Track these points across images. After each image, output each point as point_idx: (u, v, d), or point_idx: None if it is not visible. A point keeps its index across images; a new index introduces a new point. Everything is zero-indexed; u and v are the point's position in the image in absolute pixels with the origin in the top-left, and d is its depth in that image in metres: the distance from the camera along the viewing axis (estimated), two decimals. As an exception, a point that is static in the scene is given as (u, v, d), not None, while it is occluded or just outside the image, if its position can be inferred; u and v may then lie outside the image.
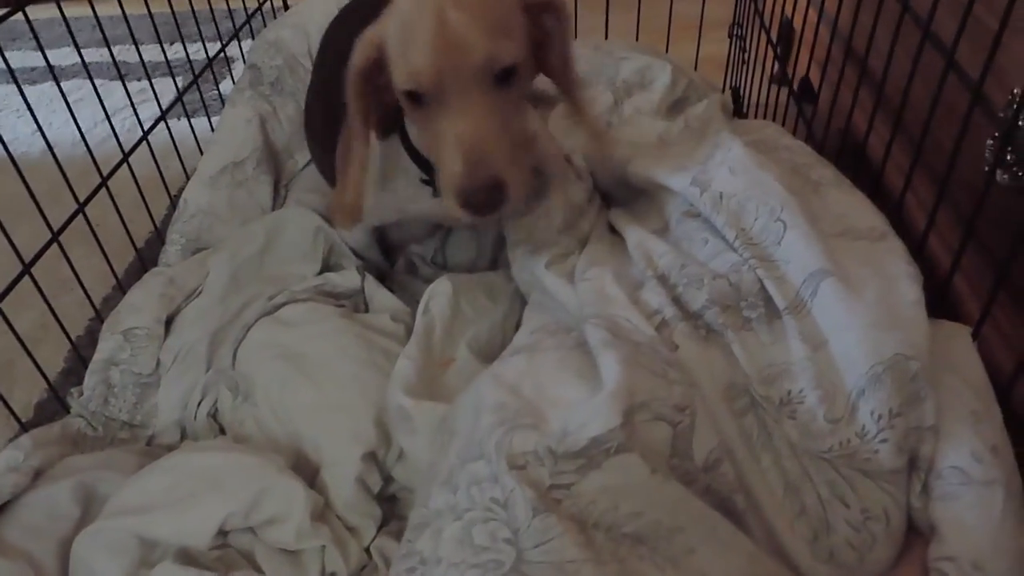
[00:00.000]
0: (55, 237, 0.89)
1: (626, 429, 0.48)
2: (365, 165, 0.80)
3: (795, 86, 1.13)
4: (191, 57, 1.32)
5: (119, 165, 1.02)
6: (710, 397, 0.54)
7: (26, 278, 0.84)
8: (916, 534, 0.54)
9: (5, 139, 0.80)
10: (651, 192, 0.74)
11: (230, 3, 1.39)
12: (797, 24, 1.25)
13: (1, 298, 0.81)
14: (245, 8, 1.45)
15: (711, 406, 0.54)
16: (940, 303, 0.62)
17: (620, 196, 0.82)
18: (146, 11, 1.13)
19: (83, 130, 0.99)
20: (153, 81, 1.15)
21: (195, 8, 1.30)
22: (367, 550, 0.75)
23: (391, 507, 0.79)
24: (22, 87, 0.86)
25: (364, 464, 0.76)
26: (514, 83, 0.70)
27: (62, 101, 1.49)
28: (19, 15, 0.87)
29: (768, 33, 1.25)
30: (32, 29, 0.90)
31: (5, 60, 0.83)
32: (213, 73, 1.40)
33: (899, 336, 0.53)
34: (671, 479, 0.49)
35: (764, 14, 1.29)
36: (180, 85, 1.21)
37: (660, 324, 0.58)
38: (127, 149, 1.04)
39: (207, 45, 1.31)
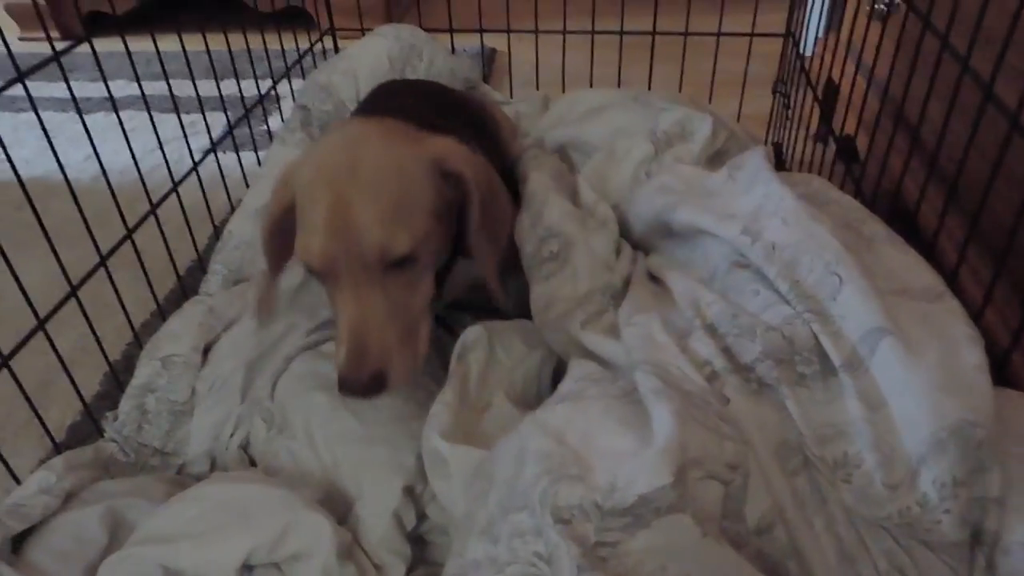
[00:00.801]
0: (103, 261, 0.90)
1: (677, 488, 0.46)
2: (270, 299, 0.88)
3: (840, 144, 1.13)
4: (243, 93, 1.35)
5: (168, 194, 1.04)
6: (762, 456, 0.52)
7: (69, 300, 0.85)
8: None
9: (50, 166, 0.82)
10: (693, 240, 0.72)
11: (283, 43, 1.43)
12: (844, 86, 1.26)
13: (46, 319, 0.82)
14: (297, 48, 1.49)
15: (763, 465, 0.52)
16: (999, 379, 0.60)
17: (657, 244, 0.81)
18: (202, 47, 1.16)
19: (135, 159, 1.02)
20: (205, 115, 1.18)
21: (250, 47, 1.33)
22: (393, 592, 0.73)
23: (420, 550, 0.78)
24: (79, 116, 0.89)
25: (402, 498, 0.75)
26: (412, 267, 0.71)
27: (112, 131, 1.54)
28: (81, 47, 0.90)
29: (815, 90, 1.25)
30: (97, 60, 0.93)
31: (70, 90, 0.86)
32: (263, 109, 1.42)
33: (963, 401, 0.51)
34: (723, 543, 0.46)
35: (810, 72, 1.29)
36: (231, 119, 1.23)
37: (710, 375, 0.56)
38: (176, 178, 1.06)
39: (259, 82, 1.34)
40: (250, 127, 1.32)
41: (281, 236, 0.80)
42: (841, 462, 0.53)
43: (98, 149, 0.90)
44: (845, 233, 0.62)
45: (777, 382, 0.55)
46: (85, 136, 1.55)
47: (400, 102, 0.99)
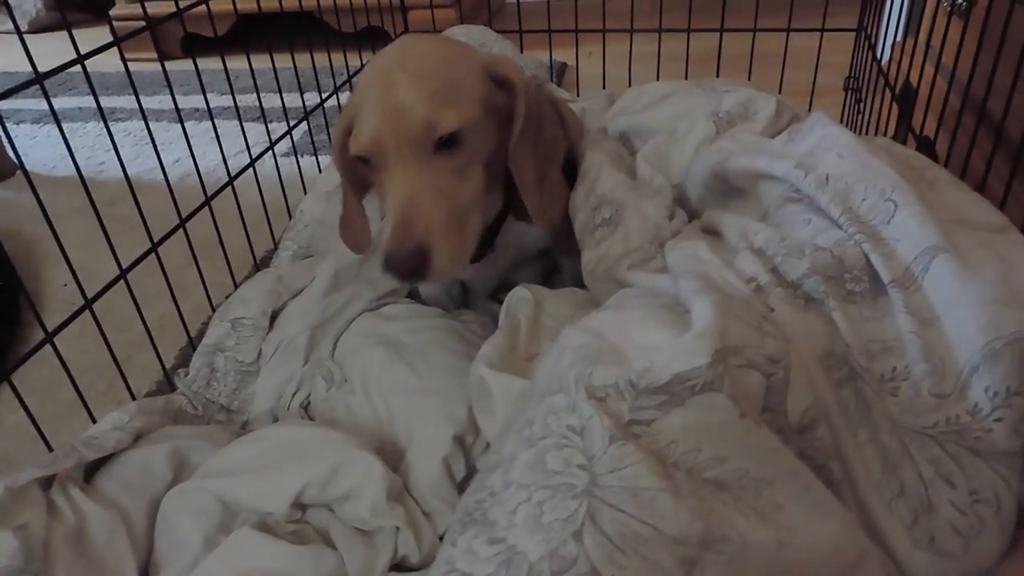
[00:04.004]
0: (174, 232, 0.96)
1: (714, 368, 0.46)
2: (361, 212, 0.88)
3: (920, 144, 1.10)
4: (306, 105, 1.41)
5: (224, 187, 1.08)
6: (807, 360, 0.51)
7: (153, 280, 0.90)
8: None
9: (145, 167, 0.88)
10: (748, 190, 0.71)
11: (348, 59, 1.49)
12: (923, 88, 1.23)
13: (127, 271, 0.87)
14: (361, 62, 1.55)
15: (808, 368, 0.51)
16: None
17: (712, 203, 0.80)
18: (289, 64, 1.24)
19: (226, 160, 1.10)
20: (270, 125, 1.24)
21: (315, 64, 1.39)
22: (441, 538, 0.74)
23: (468, 504, 0.78)
24: (150, 124, 0.95)
25: (453, 446, 0.76)
26: (459, 150, 0.70)
27: (199, 137, 1.64)
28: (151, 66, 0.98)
29: (893, 90, 1.22)
30: (199, 75, 1.02)
31: (141, 104, 0.91)
32: (325, 119, 1.48)
33: (1022, 315, 0.49)
34: (762, 426, 0.45)
35: (888, 74, 1.27)
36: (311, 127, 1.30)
37: (755, 289, 0.55)
38: (259, 181, 1.15)
39: (322, 94, 1.40)
40: (311, 136, 1.37)
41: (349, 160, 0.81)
42: (888, 376, 0.51)
43: (185, 153, 0.95)
44: (904, 169, 0.60)
45: (824, 296, 0.54)
46: (173, 142, 1.68)
47: None
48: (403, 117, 0.68)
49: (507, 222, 0.87)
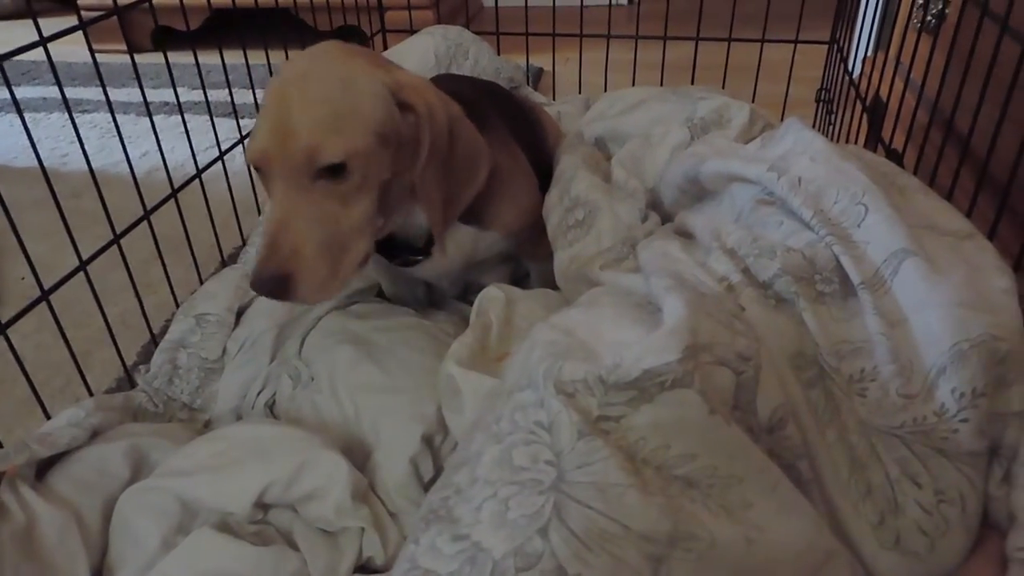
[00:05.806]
0: (139, 223, 0.93)
1: (684, 364, 0.45)
2: None
3: (886, 156, 1.11)
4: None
5: (190, 180, 1.06)
6: (777, 359, 0.51)
7: (118, 275, 0.88)
8: (990, 528, 0.49)
9: (111, 160, 0.86)
10: (720, 193, 0.72)
11: None
12: (892, 102, 1.25)
13: (87, 263, 0.85)
14: None
15: (777, 367, 0.51)
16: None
17: (685, 206, 0.80)
18: (243, 60, 1.22)
19: (195, 154, 1.08)
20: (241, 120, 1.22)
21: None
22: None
23: (435, 506, 0.77)
24: (117, 117, 0.93)
25: (421, 446, 0.75)
26: (345, 179, 0.69)
27: (169, 131, 1.61)
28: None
29: (863, 100, 1.24)
30: (169, 68, 1.00)
31: (107, 95, 0.89)
32: None
33: (988, 318, 0.49)
34: (732, 424, 0.45)
35: (858, 87, 1.29)
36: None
37: (727, 288, 0.55)
38: (228, 176, 1.13)
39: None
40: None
41: None
42: (857, 377, 0.51)
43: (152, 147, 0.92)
44: (875, 175, 0.61)
45: (795, 296, 0.54)
46: (141, 136, 1.65)
47: (450, 86, 1.00)
48: (288, 140, 0.67)
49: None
